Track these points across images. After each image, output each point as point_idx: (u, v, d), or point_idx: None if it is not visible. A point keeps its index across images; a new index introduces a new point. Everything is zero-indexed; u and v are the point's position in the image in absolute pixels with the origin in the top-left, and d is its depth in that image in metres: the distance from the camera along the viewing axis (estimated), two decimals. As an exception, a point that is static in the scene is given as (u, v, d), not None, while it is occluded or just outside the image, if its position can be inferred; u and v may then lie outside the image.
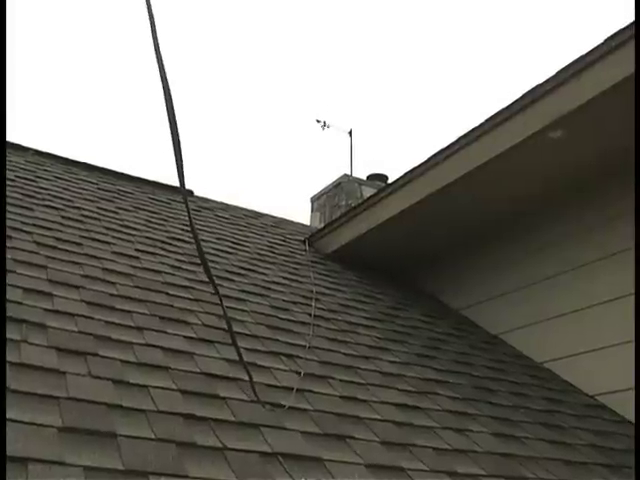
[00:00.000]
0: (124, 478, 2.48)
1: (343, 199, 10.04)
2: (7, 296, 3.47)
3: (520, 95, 5.44)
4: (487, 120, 5.72)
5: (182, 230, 6.48)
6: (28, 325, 3.34)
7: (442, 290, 7.37)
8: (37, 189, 6.13)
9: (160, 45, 2.81)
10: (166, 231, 6.28)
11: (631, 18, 4.75)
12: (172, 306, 4.41)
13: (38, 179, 6.54)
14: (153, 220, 6.58)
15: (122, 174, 8.10)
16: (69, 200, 6.19)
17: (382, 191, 7.07)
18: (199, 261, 5.25)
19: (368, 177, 10.57)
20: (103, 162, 8.07)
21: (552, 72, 5.23)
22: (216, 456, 2.84)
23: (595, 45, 4.96)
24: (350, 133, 11.50)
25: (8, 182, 5.78)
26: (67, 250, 4.76)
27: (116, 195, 7.12)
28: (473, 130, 5.84)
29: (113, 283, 4.43)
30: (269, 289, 5.61)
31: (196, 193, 8.59)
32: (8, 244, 4.34)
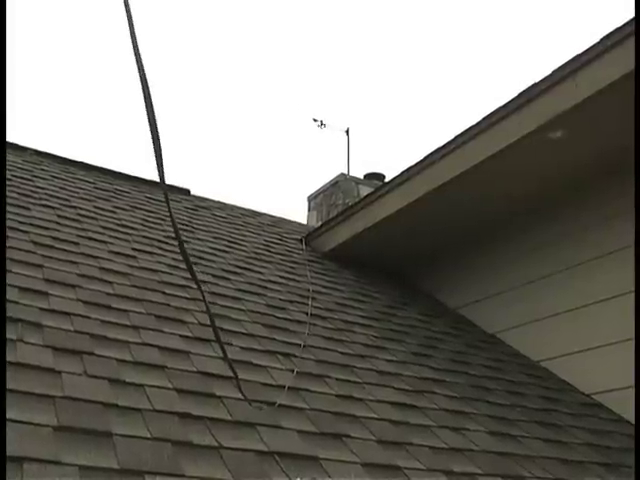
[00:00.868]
0: (120, 477, 2.48)
1: (340, 198, 10.03)
2: (3, 295, 3.47)
3: (516, 94, 5.45)
4: (483, 119, 5.72)
5: (179, 229, 6.47)
6: (24, 324, 3.34)
7: (439, 289, 7.37)
8: (34, 188, 6.13)
9: (138, 41, 2.81)
10: (163, 230, 6.27)
11: (627, 17, 4.75)
12: (169, 305, 4.41)
13: (35, 178, 6.54)
14: (150, 219, 6.58)
15: (119, 173, 8.09)
16: (66, 199, 6.18)
17: (379, 190, 7.08)
18: (195, 260, 5.27)
19: (365, 176, 10.56)
20: (100, 161, 8.08)
21: (548, 71, 5.24)
22: (212, 455, 2.84)
23: (591, 44, 4.96)
24: (347, 132, 11.50)
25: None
26: (64, 249, 4.76)
27: (113, 194, 7.12)
28: (469, 129, 5.85)
29: (110, 282, 4.43)
30: (266, 288, 5.61)
31: (193, 192, 8.59)
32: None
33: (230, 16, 22.63)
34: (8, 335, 3.14)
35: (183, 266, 5.23)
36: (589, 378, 5.55)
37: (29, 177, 6.49)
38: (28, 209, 5.41)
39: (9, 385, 2.72)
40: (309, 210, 10.58)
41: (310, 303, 5.49)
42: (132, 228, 6.01)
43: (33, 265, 4.23)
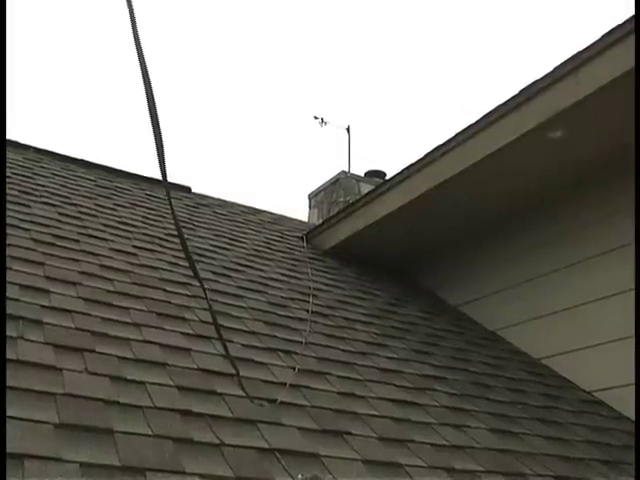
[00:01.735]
0: (121, 474, 2.48)
1: (341, 195, 10.03)
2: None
3: (516, 92, 5.44)
4: (483, 117, 5.72)
5: (180, 227, 6.47)
6: (25, 322, 3.34)
7: (440, 286, 7.37)
8: (34, 186, 6.13)
9: (140, 38, 2.81)
10: (163, 228, 6.27)
11: (628, 14, 4.75)
12: (169, 302, 4.41)
13: (35, 176, 6.54)
14: (151, 217, 6.58)
15: (120, 171, 8.09)
16: (66, 197, 6.18)
17: (380, 187, 7.07)
18: (196, 258, 5.27)
19: (366, 173, 10.55)
20: (100, 159, 8.07)
21: (548, 68, 5.23)
22: (213, 452, 2.84)
23: (592, 41, 4.95)
24: (348, 130, 11.47)
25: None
26: (64, 247, 4.76)
27: (114, 192, 7.11)
28: (469, 127, 5.84)
29: (110, 280, 4.43)
30: (267, 285, 5.61)
31: (194, 190, 8.59)
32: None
33: (231, 13, 22.62)
34: (9, 332, 3.14)
35: (184, 263, 5.23)
36: (590, 375, 5.55)
37: (29, 175, 6.48)
38: (29, 207, 5.40)
39: (10, 382, 2.72)
40: (310, 208, 10.57)
41: (311, 300, 5.49)
42: (133, 225, 6.01)
43: (34, 263, 4.23)
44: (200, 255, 5.70)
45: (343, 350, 4.70)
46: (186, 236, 5.98)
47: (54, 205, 5.75)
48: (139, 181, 8.03)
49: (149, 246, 5.54)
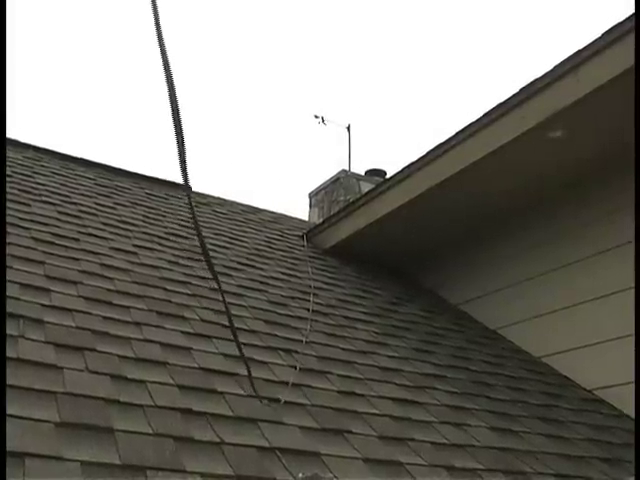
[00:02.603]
0: (122, 473, 2.48)
1: (341, 194, 10.02)
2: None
3: (517, 90, 5.44)
4: (484, 115, 5.72)
5: (180, 225, 6.48)
6: (25, 321, 3.34)
7: (441, 285, 7.37)
8: (34, 185, 6.13)
9: (165, 40, 2.80)
10: (164, 227, 6.27)
11: (627, 13, 4.75)
12: (170, 301, 4.42)
13: (35, 175, 6.54)
14: (150, 216, 6.58)
15: (119, 170, 8.09)
16: (66, 196, 6.18)
17: (380, 186, 7.08)
18: (196, 256, 5.27)
19: (366, 172, 10.54)
20: (100, 158, 8.07)
21: (549, 67, 5.23)
22: (214, 451, 2.84)
23: (591, 40, 4.95)
24: (348, 128, 11.47)
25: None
26: (64, 246, 4.76)
27: (113, 191, 7.11)
28: (470, 125, 5.84)
29: (111, 278, 4.43)
30: (267, 284, 5.61)
31: (194, 188, 8.57)
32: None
33: (231, 12, 22.62)
34: (9, 331, 3.14)
35: (184, 262, 5.25)
36: (590, 374, 5.55)
37: (29, 173, 6.48)
38: (29, 205, 5.40)
39: (11, 381, 2.73)
40: (310, 207, 10.57)
41: (312, 299, 5.49)
42: (133, 224, 6.01)
43: (34, 261, 4.23)
44: (200, 254, 5.69)
45: (343, 349, 4.70)
46: (186, 235, 6.00)
47: (54, 204, 5.75)
48: (139, 180, 8.03)
49: (149, 245, 5.54)
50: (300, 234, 8.02)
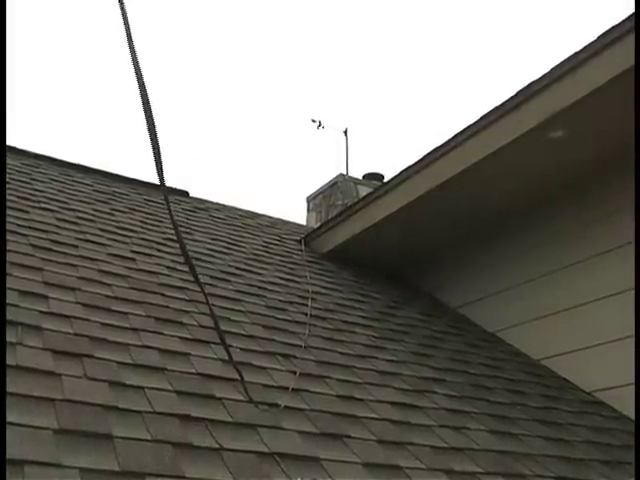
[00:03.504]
0: (120, 479, 2.48)
1: (339, 198, 10.03)
2: (2, 299, 3.47)
3: (515, 92, 5.45)
4: (482, 118, 5.73)
5: (179, 232, 6.47)
6: (24, 327, 3.34)
7: (439, 288, 7.37)
8: (32, 191, 6.13)
9: (135, 45, 2.82)
10: (162, 232, 6.27)
11: (625, 14, 4.75)
12: (168, 307, 4.41)
13: (33, 181, 6.53)
14: (148, 221, 6.58)
15: (117, 176, 8.09)
16: (64, 202, 6.18)
17: (378, 190, 7.08)
18: (195, 262, 5.26)
19: (364, 176, 10.56)
20: (98, 164, 8.07)
21: (546, 69, 5.24)
22: (213, 457, 2.84)
23: (588, 42, 4.96)
24: (345, 132, 11.48)
25: (3, 185, 5.77)
26: (63, 252, 4.76)
27: (111, 197, 7.11)
28: (468, 128, 5.85)
29: (109, 285, 4.43)
30: (265, 289, 5.60)
31: (192, 194, 8.59)
32: (3, 247, 4.34)
33: (227, 16, 22.62)
34: (8, 338, 3.13)
35: (182, 268, 5.23)
36: (590, 376, 5.54)
37: (27, 180, 6.48)
38: (27, 212, 5.40)
39: (9, 388, 2.72)
40: (308, 211, 10.58)
41: (310, 304, 5.49)
42: (131, 230, 6.01)
43: (32, 268, 4.22)
44: (198, 259, 5.69)
45: (342, 353, 4.70)
46: (184, 241, 5.99)
47: (52, 210, 5.74)
48: (137, 186, 8.03)
49: (147, 251, 5.54)
50: (298, 239, 8.02)
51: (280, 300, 5.44)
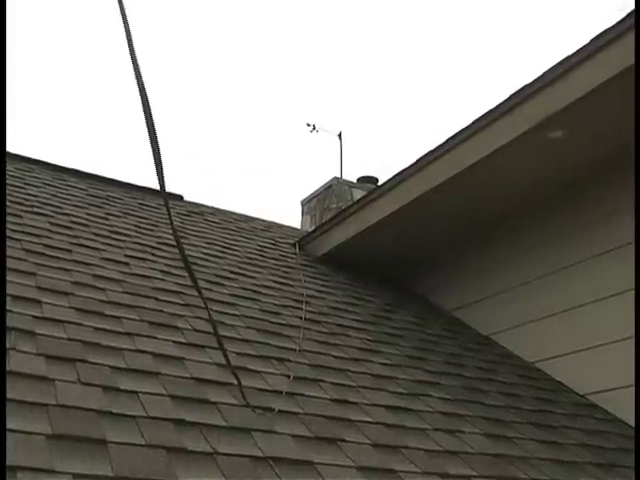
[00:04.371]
0: (114, 484, 2.48)
1: (334, 202, 10.03)
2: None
3: (508, 96, 5.46)
4: (475, 121, 5.73)
5: (172, 235, 6.46)
6: (17, 333, 3.33)
7: (433, 291, 7.37)
8: (26, 196, 6.12)
9: (135, 49, 2.83)
10: (156, 236, 6.27)
11: (617, 18, 4.77)
12: (162, 311, 4.41)
13: (27, 186, 6.53)
14: (142, 225, 6.57)
15: (111, 180, 8.08)
16: (58, 207, 6.17)
17: (372, 193, 7.08)
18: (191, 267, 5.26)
19: (358, 180, 10.56)
20: (92, 168, 8.06)
21: (539, 73, 5.25)
22: (207, 461, 2.84)
23: (581, 45, 4.98)
24: (340, 136, 11.49)
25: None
26: (56, 257, 4.76)
27: (105, 201, 7.11)
28: (462, 131, 5.85)
29: (103, 289, 4.43)
30: (259, 293, 5.60)
31: (186, 198, 8.58)
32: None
33: (222, 21, 22.64)
34: (1, 344, 3.13)
35: (176, 272, 5.23)
36: (583, 378, 5.55)
37: (21, 185, 6.47)
38: (20, 217, 5.40)
39: (2, 394, 2.72)
40: (303, 214, 10.58)
41: (304, 307, 5.49)
42: (125, 235, 6.00)
43: (26, 273, 4.22)
44: (193, 264, 5.68)
45: (336, 357, 4.70)
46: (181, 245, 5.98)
47: (45, 215, 5.74)
48: (131, 190, 8.02)
49: (141, 255, 5.53)
50: (292, 242, 8.02)
51: (275, 304, 5.44)
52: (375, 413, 3.91)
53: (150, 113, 2.91)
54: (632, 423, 4.91)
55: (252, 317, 4.93)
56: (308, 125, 11.45)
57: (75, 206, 6.44)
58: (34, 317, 3.61)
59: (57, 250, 4.91)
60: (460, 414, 4.35)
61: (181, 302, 4.68)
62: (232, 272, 5.96)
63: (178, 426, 3.02)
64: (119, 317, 4.04)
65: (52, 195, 6.55)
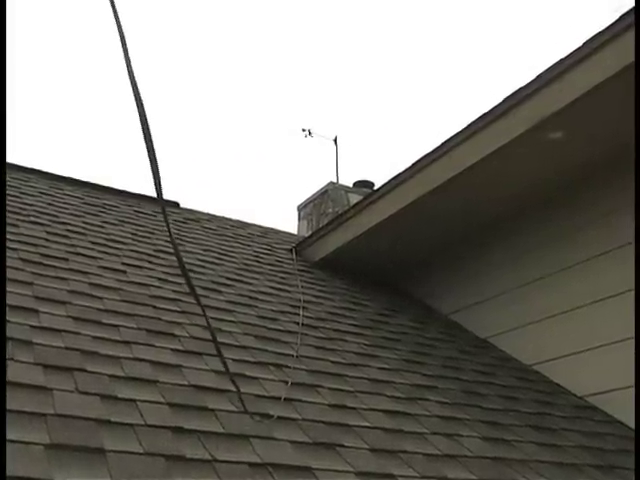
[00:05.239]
0: (113, 493, 2.48)
1: (330, 207, 10.04)
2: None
3: (503, 98, 5.47)
4: (471, 124, 5.73)
5: (168, 242, 6.47)
6: (14, 342, 3.33)
7: (430, 295, 7.37)
8: (22, 205, 6.12)
9: (130, 56, 2.84)
10: (152, 244, 6.27)
11: (612, 19, 4.78)
12: (159, 319, 4.41)
13: (23, 195, 6.52)
14: (139, 233, 6.57)
15: (108, 188, 8.08)
16: (54, 215, 6.18)
17: (368, 197, 7.09)
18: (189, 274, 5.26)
19: (354, 184, 10.57)
20: (88, 176, 8.06)
21: (534, 75, 5.26)
22: (205, 468, 2.83)
23: (576, 47, 4.99)
24: (335, 141, 11.50)
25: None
26: (53, 266, 4.75)
27: (101, 209, 7.11)
28: (458, 134, 5.86)
29: (100, 298, 4.43)
30: (256, 299, 5.60)
31: (182, 205, 8.58)
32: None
33: (218, 27, 22.66)
34: (-2, 354, 3.13)
35: (173, 280, 5.23)
36: (582, 380, 5.54)
37: (17, 194, 6.47)
38: (16, 226, 5.40)
39: (0, 404, 2.72)
40: (299, 220, 10.58)
41: (301, 313, 5.49)
42: (121, 242, 6.00)
43: (23, 282, 4.22)
44: (189, 270, 5.68)
45: (334, 362, 4.70)
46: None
47: (42, 224, 5.74)
48: (127, 198, 8.03)
49: (138, 263, 5.53)
50: (289, 248, 8.02)
51: (272, 310, 5.44)
52: (373, 418, 3.92)
53: (146, 121, 2.92)
54: (631, 424, 4.91)
55: (249, 323, 4.93)
56: (303, 130, 11.46)
57: (71, 215, 6.44)
58: (31, 327, 3.60)
59: (54, 259, 4.91)
60: (458, 418, 4.35)
61: (178, 309, 4.68)
62: (229, 279, 5.96)
63: (176, 434, 3.02)
64: (117, 325, 4.04)
65: (48, 204, 6.55)
